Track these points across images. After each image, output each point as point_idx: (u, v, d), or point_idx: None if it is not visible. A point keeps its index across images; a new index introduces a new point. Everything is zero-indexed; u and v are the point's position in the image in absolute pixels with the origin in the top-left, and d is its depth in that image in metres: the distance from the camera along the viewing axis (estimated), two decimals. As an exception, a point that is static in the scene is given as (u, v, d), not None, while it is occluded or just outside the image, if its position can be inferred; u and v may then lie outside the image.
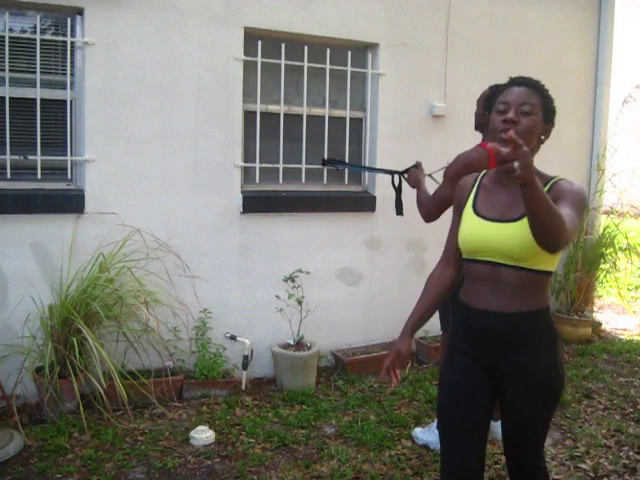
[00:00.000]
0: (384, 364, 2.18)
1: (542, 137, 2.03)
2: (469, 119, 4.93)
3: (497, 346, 2.03)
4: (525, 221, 1.84)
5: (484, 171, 2.13)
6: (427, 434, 3.57)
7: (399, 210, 3.69)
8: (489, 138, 3.17)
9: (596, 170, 5.82)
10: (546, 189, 1.89)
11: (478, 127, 3.49)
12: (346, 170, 4.75)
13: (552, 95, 2.11)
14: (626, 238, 5.76)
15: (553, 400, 2.14)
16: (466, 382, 2.09)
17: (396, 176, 3.65)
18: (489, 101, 3.30)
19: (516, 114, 1.96)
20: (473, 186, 2.11)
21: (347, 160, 4.68)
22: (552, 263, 1.99)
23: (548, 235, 1.72)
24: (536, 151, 2.04)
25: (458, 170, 2.95)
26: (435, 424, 3.53)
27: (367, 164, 4.85)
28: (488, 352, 2.05)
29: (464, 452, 2.06)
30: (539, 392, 2.06)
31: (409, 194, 3.49)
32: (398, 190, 3.69)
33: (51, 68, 3.87)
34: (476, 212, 2.03)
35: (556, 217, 1.71)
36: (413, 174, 3.47)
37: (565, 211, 1.82)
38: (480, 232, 1.99)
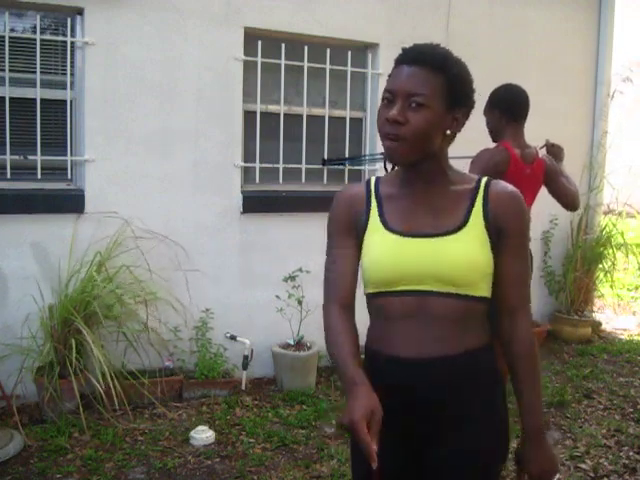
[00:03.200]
0: (364, 440, 1.29)
1: (448, 131, 1.47)
2: (469, 119, 4.95)
3: (425, 408, 1.49)
4: (464, 233, 1.46)
5: (374, 178, 1.60)
6: None
7: None
8: (510, 139, 3.11)
9: (596, 170, 5.82)
10: (480, 198, 1.48)
11: (496, 135, 3.18)
12: (346, 170, 4.75)
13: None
14: (623, 238, 5.76)
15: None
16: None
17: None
18: (505, 103, 3.12)
19: (403, 110, 1.41)
20: (369, 198, 1.55)
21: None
22: (490, 287, 1.52)
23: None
24: (447, 146, 1.52)
25: (485, 171, 2.52)
26: None
27: (367, 164, 4.85)
28: (410, 419, 1.50)
29: None
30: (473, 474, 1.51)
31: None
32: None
33: (51, 68, 3.87)
34: (388, 228, 1.50)
35: (538, 364, 1.53)
36: None
37: (519, 268, 1.51)
38: (401, 253, 1.47)
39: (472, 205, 1.48)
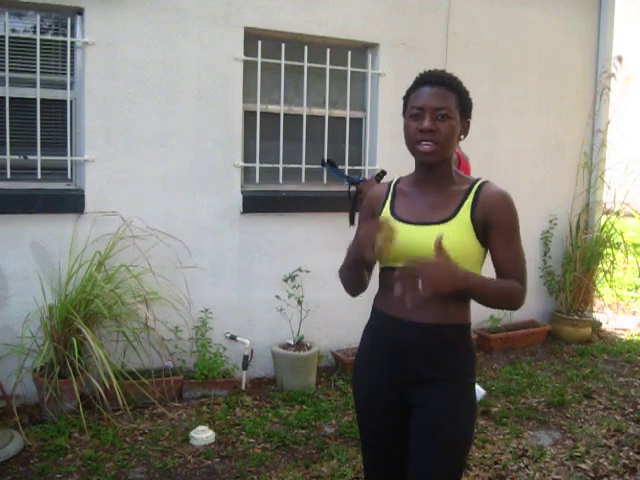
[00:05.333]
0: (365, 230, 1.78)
1: (461, 136, 1.90)
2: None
3: (408, 359, 1.87)
4: (452, 223, 1.81)
5: (397, 177, 2.03)
6: None
7: (352, 221, 3.89)
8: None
9: (596, 170, 5.82)
10: (471, 196, 1.84)
11: None
12: (346, 170, 4.75)
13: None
14: (622, 237, 5.76)
15: (456, 454, 1.86)
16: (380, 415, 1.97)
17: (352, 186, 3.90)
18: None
19: (433, 121, 1.80)
20: (388, 193, 1.98)
21: (347, 160, 4.69)
22: (478, 272, 1.86)
23: (510, 307, 1.89)
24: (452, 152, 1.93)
25: None
26: None
27: (367, 164, 4.85)
28: (398, 367, 1.89)
29: None
30: (442, 429, 1.83)
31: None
32: (353, 200, 3.92)
33: (51, 68, 3.87)
34: (395, 216, 1.88)
35: (505, 295, 1.83)
36: (367, 183, 3.75)
37: (510, 254, 1.84)
38: (400, 237, 1.78)
39: (463, 201, 1.84)
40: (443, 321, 1.83)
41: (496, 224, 1.81)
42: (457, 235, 1.80)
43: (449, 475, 1.85)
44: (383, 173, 3.83)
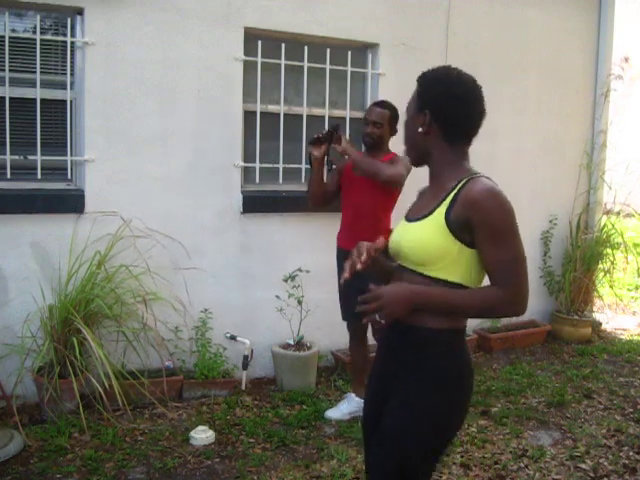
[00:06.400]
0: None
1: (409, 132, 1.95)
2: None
3: (389, 360, 1.90)
4: (426, 221, 1.79)
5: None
6: (336, 410, 3.86)
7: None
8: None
9: (596, 170, 5.82)
10: (451, 195, 1.78)
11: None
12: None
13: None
14: (622, 237, 5.76)
15: (395, 460, 1.81)
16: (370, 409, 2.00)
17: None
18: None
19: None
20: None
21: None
22: (462, 274, 1.78)
23: (492, 316, 1.86)
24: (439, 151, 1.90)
25: (408, 170, 3.63)
26: (349, 396, 3.91)
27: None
28: (385, 366, 1.93)
29: None
30: (385, 438, 1.83)
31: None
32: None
33: (51, 68, 3.87)
34: (405, 216, 1.97)
35: (474, 306, 1.75)
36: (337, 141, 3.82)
37: (493, 256, 1.73)
38: (395, 233, 1.91)
39: (443, 200, 1.79)
40: (417, 323, 1.79)
41: (477, 224, 1.72)
42: (427, 234, 1.77)
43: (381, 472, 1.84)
44: (336, 127, 3.90)
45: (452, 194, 1.77)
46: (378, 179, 3.66)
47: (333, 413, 3.84)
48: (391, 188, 3.77)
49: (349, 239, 3.73)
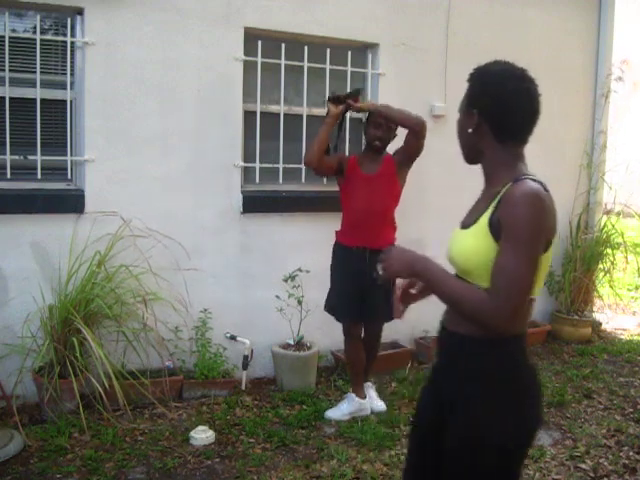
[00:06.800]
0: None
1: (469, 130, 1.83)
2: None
3: (442, 368, 1.85)
4: (472, 229, 1.72)
5: None
6: (336, 410, 3.86)
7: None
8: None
9: (596, 171, 5.82)
10: (497, 198, 1.68)
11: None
12: None
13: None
14: (622, 237, 5.75)
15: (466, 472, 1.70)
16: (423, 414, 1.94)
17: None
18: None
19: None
20: None
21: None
22: None
23: (466, 316, 1.67)
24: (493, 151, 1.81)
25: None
26: (349, 396, 3.90)
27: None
28: (437, 372, 1.89)
29: None
30: (452, 450, 1.73)
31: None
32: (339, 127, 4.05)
33: (51, 68, 3.87)
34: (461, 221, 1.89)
35: (457, 300, 1.65)
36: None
37: (499, 260, 1.61)
38: (449, 241, 1.84)
39: (490, 204, 1.70)
40: (461, 331, 1.72)
41: (502, 223, 1.63)
42: (471, 242, 1.70)
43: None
44: (359, 90, 4.00)
45: (497, 199, 1.68)
46: (409, 123, 3.77)
47: (333, 413, 3.84)
48: (399, 186, 3.86)
49: (355, 237, 3.81)
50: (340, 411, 3.85)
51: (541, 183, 1.68)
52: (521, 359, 1.73)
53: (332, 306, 3.95)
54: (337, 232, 3.98)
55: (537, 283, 1.68)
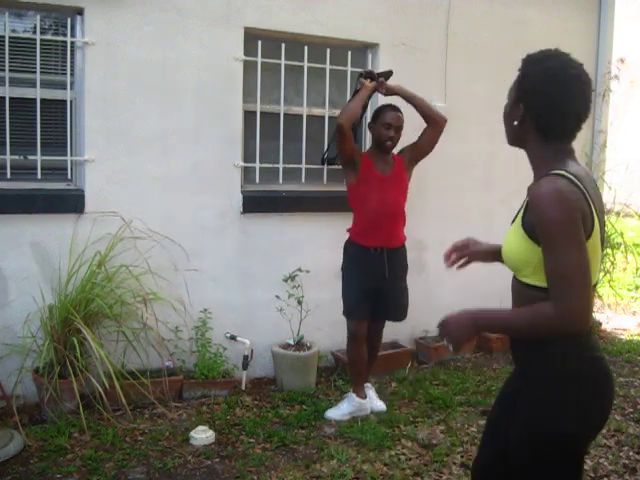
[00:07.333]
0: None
1: (514, 122, 1.85)
2: (469, 119, 4.94)
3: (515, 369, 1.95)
4: (513, 226, 1.76)
5: None
6: (336, 410, 3.86)
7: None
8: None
9: (596, 170, 5.81)
10: (526, 200, 1.73)
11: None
12: None
13: None
14: (622, 237, 5.75)
15: (530, 462, 1.73)
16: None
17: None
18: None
19: None
20: None
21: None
22: (540, 278, 1.68)
23: (550, 334, 1.63)
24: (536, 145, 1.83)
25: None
26: (350, 396, 3.89)
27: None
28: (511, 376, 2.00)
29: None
30: (515, 443, 1.78)
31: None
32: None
33: (51, 68, 3.87)
34: None
35: (525, 326, 1.65)
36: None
37: (546, 263, 1.61)
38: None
39: (524, 203, 1.74)
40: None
41: (537, 228, 1.63)
42: (512, 239, 1.74)
43: None
44: (389, 73, 4.00)
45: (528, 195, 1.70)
46: (434, 114, 3.85)
47: (333, 413, 3.84)
48: (408, 184, 3.93)
49: (372, 237, 3.77)
50: (340, 411, 3.85)
51: (567, 175, 1.63)
52: (586, 351, 1.71)
53: (350, 308, 3.84)
54: (350, 231, 3.90)
55: (593, 268, 1.63)
